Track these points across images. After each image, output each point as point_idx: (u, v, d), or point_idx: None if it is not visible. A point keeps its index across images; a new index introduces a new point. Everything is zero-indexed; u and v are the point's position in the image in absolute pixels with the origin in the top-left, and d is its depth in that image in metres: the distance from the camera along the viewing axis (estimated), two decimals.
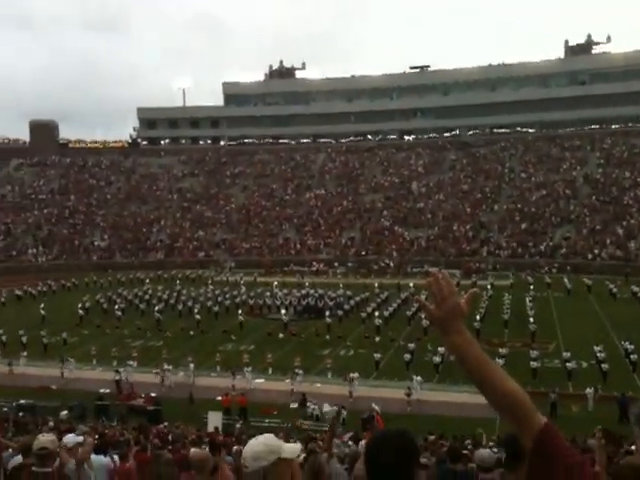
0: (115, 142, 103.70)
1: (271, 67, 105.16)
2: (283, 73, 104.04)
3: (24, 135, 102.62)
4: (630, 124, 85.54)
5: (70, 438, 8.74)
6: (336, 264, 68.56)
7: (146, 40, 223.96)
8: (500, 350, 34.01)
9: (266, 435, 2.78)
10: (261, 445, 2.69)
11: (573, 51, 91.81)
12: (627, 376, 31.22)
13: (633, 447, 8.31)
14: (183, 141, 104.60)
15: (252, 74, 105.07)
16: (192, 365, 33.53)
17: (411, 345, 35.21)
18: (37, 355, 38.09)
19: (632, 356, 32.38)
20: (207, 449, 13.18)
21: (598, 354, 32.45)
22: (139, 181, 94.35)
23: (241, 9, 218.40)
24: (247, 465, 2.68)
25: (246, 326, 43.90)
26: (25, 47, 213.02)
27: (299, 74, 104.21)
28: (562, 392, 28.66)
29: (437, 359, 33.30)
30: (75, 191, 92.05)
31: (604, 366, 31.10)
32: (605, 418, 24.82)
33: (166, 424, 24.26)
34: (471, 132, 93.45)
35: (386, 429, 2.58)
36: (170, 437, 19.79)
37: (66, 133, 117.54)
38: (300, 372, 31.69)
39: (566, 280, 54.12)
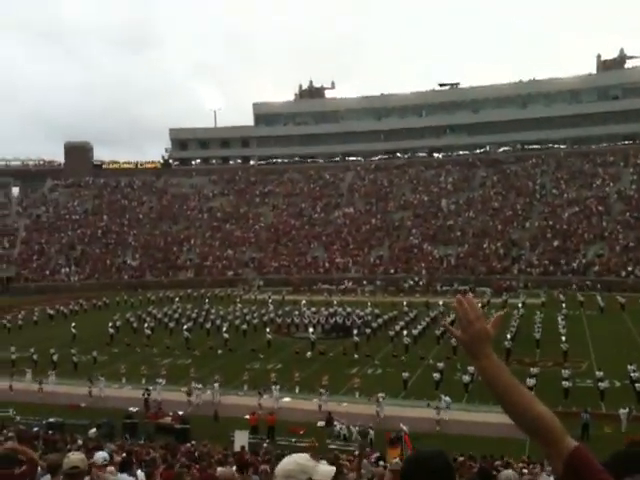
0: (148, 163, 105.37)
1: (301, 87, 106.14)
2: (313, 92, 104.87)
3: (59, 156, 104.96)
4: None
5: (100, 456, 8.82)
6: (365, 282, 68.31)
7: (177, 60, 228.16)
8: (531, 370, 33.39)
9: (301, 454, 2.73)
10: (293, 464, 2.64)
11: (605, 65, 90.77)
12: None
13: None
14: (214, 161, 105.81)
15: (282, 94, 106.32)
16: (217, 384, 33.57)
17: (440, 364, 34.75)
18: (67, 373, 38.56)
19: None
20: (234, 468, 13.16)
21: (632, 373, 31.66)
22: (170, 201, 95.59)
23: (271, 28, 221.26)
24: None
25: (274, 345, 43.87)
26: (58, 65, 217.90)
27: (328, 93, 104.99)
28: (594, 412, 27.96)
29: (467, 378, 32.82)
30: (108, 211, 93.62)
31: (638, 385, 30.33)
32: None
33: (194, 442, 24.32)
34: (502, 149, 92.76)
35: (422, 450, 2.57)
36: (197, 455, 19.85)
37: (100, 153, 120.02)
38: (324, 392, 31.43)
39: (599, 298, 53.07)
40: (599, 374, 31.69)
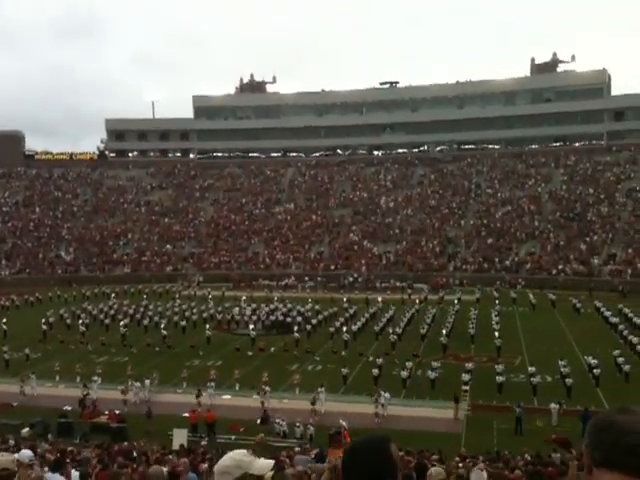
0: (82, 154, 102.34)
1: (242, 80, 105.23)
2: (254, 87, 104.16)
3: None
4: (594, 141, 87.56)
5: (24, 454, 8.61)
6: (305, 278, 68.53)
7: (116, 50, 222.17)
8: (466, 365, 34.37)
9: (237, 450, 2.75)
10: (229, 459, 2.66)
11: (539, 69, 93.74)
12: (590, 391, 31.75)
13: None
14: (152, 154, 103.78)
15: (223, 87, 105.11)
16: (148, 382, 33.18)
17: (379, 360, 35.30)
18: None
19: (595, 371, 32.92)
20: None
21: (562, 369, 32.95)
22: (106, 194, 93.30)
23: (212, 21, 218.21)
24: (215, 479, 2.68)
25: (214, 341, 43.54)
26: None
27: (270, 88, 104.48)
28: (527, 406, 29.01)
29: (404, 374, 33.48)
30: (40, 203, 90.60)
31: (568, 381, 31.58)
32: (569, 432, 25.18)
33: (134, 442, 23.90)
34: (439, 148, 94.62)
35: (363, 438, 2.44)
36: (134, 455, 19.52)
37: (32, 144, 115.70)
38: (267, 389, 31.46)
39: (531, 295, 54.92)
40: (531, 369, 32.88)
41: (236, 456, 2.69)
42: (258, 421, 28.96)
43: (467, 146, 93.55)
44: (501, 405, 29.82)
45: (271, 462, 2.76)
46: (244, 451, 2.77)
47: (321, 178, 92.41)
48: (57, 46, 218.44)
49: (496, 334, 40.72)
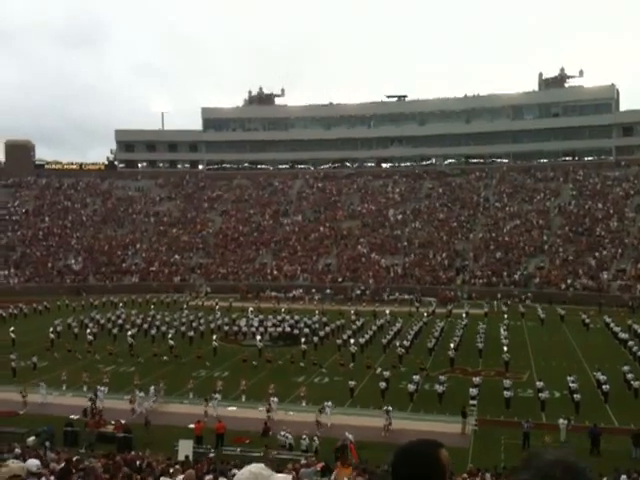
0: (92, 164, 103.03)
1: (250, 93, 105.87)
2: (262, 99, 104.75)
3: None
4: (602, 156, 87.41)
5: (32, 463, 8.64)
6: (313, 290, 68.48)
7: (127, 60, 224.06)
8: (474, 379, 34.16)
9: (256, 464, 2.75)
10: (247, 472, 2.65)
11: (547, 84, 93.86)
12: (599, 407, 31.47)
13: None
14: (161, 164, 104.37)
15: (231, 99, 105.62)
16: (152, 389, 33.30)
17: (386, 373, 35.13)
18: (5, 379, 37.27)
19: (604, 387, 32.63)
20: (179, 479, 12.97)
21: (571, 384, 32.68)
22: (115, 204, 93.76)
23: (220, 30, 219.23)
24: None
25: (220, 352, 43.48)
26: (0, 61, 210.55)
27: (278, 100, 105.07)
28: (535, 422, 28.76)
29: (412, 387, 33.31)
30: (50, 213, 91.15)
31: (576, 396, 31.31)
32: (577, 449, 24.96)
33: (140, 452, 23.85)
34: (447, 161, 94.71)
35: (415, 440, 2.51)
36: (139, 465, 19.48)
37: (42, 153, 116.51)
38: (275, 400, 31.39)
39: (540, 310, 54.61)
40: (539, 384, 32.61)
41: (254, 469, 2.68)
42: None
43: (475, 160, 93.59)
44: (509, 420, 29.58)
45: (289, 477, 2.75)
46: (262, 465, 2.76)
47: (329, 190, 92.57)
48: (64, 54, 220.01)
49: (504, 348, 40.47)
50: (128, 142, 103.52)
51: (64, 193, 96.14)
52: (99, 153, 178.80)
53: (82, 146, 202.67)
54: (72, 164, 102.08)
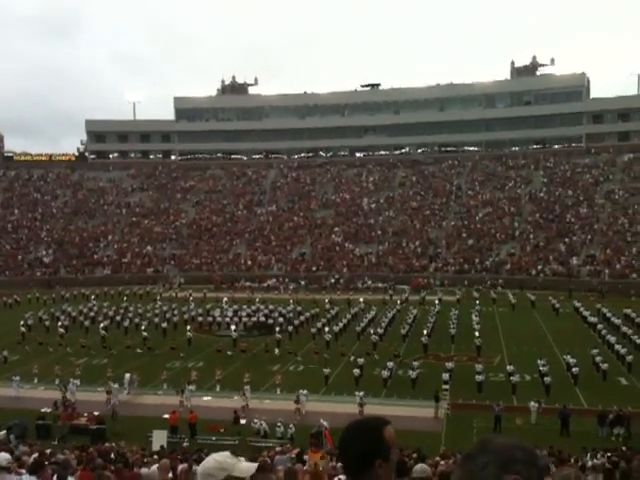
0: (62, 155, 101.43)
1: (223, 82, 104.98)
2: (235, 88, 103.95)
3: None
4: (573, 144, 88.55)
5: (1, 457, 8.59)
6: (287, 280, 68.49)
7: (96, 49, 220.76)
8: (446, 364, 34.56)
9: (221, 452, 2.76)
10: (212, 461, 2.67)
11: (519, 72, 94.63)
12: (568, 389, 32.10)
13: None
14: (133, 155, 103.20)
15: (204, 89, 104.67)
16: (127, 375, 33.52)
17: (360, 360, 35.38)
18: None
19: (573, 370, 33.28)
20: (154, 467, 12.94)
21: (541, 368, 33.28)
22: (86, 195, 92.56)
23: (195, 22, 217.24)
24: None
25: (195, 343, 43.35)
26: None
27: (252, 90, 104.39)
28: (506, 405, 29.24)
29: (385, 374, 33.60)
30: (19, 205, 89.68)
31: (547, 379, 31.89)
32: (547, 430, 25.47)
33: (113, 444, 23.75)
34: (420, 150, 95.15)
35: (361, 418, 2.63)
36: (113, 456, 19.40)
37: (11, 144, 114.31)
38: (247, 388, 31.46)
39: (511, 296, 55.34)
40: (510, 368, 33.14)
41: (219, 458, 2.69)
42: (243, 422, 29.01)
43: (448, 148, 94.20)
44: (480, 404, 30.02)
45: (254, 465, 2.78)
46: (227, 453, 2.78)
47: (303, 180, 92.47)
48: (34, 44, 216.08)
49: (476, 334, 40.97)
50: (99, 132, 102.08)
51: (34, 185, 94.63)
52: (72, 143, 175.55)
53: (54, 137, 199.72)
54: (41, 155, 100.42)
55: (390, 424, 2.51)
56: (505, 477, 1.80)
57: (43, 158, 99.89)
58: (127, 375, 33.61)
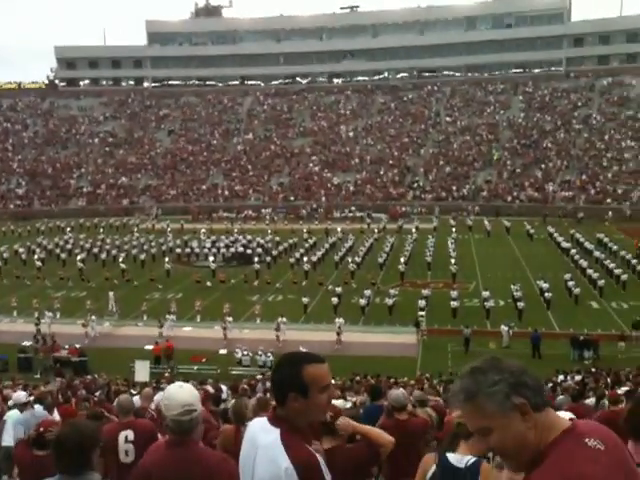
0: (32, 83, 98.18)
1: (197, 5, 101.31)
2: (210, 11, 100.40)
3: None
4: (553, 68, 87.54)
5: (20, 394, 8.93)
6: (264, 210, 68.30)
7: None
8: (423, 291, 35.17)
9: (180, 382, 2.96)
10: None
11: None
12: (541, 313, 32.97)
13: None
14: (104, 82, 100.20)
15: (177, 12, 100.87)
16: (111, 296, 34.88)
17: (338, 289, 35.85)
18: None
19: (546, 294, 34.10)
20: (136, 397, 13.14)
21: (515, 293, 34.05)
22: (58, 124, 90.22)
23: None
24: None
25: (173, 274, 43.49)
26: None
27: (226, 12, 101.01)
28: (480, 329, 30.07)
29: (363, 302, 34.17)
30: None
31: (520, 304, 32.68)
32: (519, 354, 26.29)
33: (95, 375, 24.10)
34: (400, 75, 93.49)
35: (292, 352, 2.93)
36: (95, 388, 19.70)
37: None
38: (228, 319, 31.87)
39: (486, 222, 55.81)
40: (485, 294, 33.85)
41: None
42: (223, 351, 29.57)
43: (427, 73, 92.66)
44: (455, 329, 30.80)
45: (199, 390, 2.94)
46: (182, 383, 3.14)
47: (280, 107, 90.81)
48: None
49: (452, 261, 41.58)
50: (69, 59, 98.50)
51: (3, 114, 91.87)
52: (40, 73, 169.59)
53: (23, 65, 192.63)
54: (10, 83, 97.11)
55: (321, 363, 2.68)
56: (513, 398, 1.87)
57: (12, 86, 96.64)
58: (111, 293, 33.99)
